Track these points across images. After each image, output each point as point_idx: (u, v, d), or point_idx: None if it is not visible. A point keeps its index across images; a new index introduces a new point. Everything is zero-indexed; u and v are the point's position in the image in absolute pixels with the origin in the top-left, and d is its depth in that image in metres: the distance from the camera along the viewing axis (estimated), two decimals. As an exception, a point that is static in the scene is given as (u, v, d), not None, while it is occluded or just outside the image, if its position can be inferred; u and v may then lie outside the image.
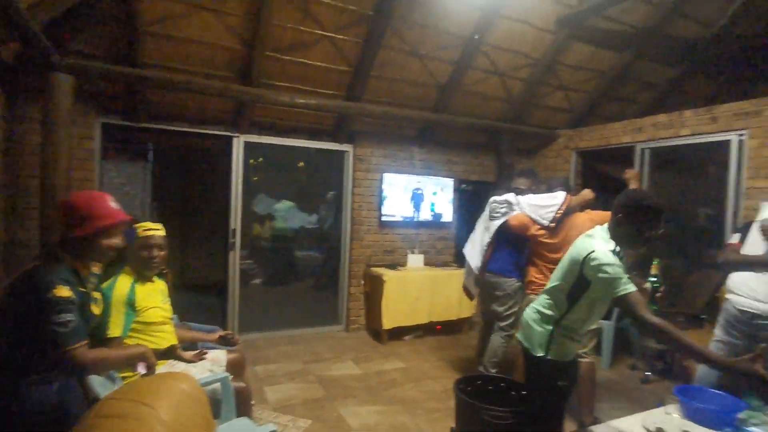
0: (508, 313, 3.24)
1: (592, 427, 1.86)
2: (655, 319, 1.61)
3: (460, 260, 4.91)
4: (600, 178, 5.71)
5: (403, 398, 3.27)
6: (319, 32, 3.75)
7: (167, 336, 2.18)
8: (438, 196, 5.15)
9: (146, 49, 3.46)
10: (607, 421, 1.98)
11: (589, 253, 1.72)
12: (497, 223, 3.26)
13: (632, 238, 1.76)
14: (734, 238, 2.60)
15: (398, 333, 4.57)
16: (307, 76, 4.04)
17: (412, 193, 5.00)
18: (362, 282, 4.85)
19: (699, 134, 3.93)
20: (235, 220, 4.34)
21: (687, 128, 4.02)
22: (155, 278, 2.24)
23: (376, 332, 4.62)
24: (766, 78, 5.37)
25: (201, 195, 6.37)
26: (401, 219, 4.97)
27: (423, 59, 4.26)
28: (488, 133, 5.28)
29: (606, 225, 1.84)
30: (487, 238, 3.33)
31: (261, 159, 5.90)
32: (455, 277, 4.58)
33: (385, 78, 4.30)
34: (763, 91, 4.74)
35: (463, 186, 5.51)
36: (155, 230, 2.21)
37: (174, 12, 3.31)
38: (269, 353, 4.05)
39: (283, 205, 6.40)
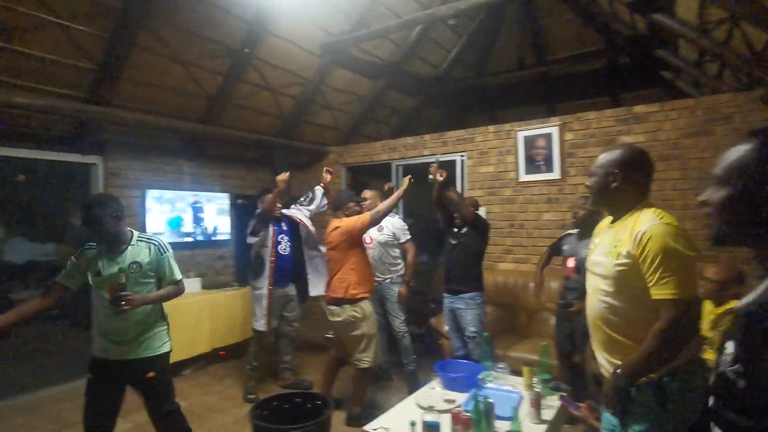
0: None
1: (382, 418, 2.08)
2: None
3: (240, 280, 4.73)
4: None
5: (188, 442, 2.92)
6: (46, 17, 3.02)
7: None
8: (213, 212, 4.82)
9: None
10: (390, 407, 2.25)
11: None
12: None
13: None
14: None
15: (176, 368, 4.05)
16: (29, 69, 3.19)
17: (192, 208, 4.57)
18: (124, 318, 4.11)
19: (435, 154, 4.88)
20: None
21: (427, 149, 4.94)
22: None
23: (147, 374, 3.97)
24: (473, 112, 7.10)
25: None
26: (173, 240, 4.44)
27: (188, 66, 3.93)
28: (262, 147, 5.26)
29: None
30: None
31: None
32: (237, 297, 4.40)
33: (143, 82, 3.79)
34: (473, 121, 6.26)
35: (240, 201, 5.32)
36: None
37: None
38: (-12, 435, 3.00)
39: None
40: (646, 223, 1.36)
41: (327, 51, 4.66)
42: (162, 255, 2.17)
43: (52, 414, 3.32)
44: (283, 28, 4.18)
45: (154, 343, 2.19)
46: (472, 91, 6.68)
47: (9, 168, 4.31)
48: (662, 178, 3.59)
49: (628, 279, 1.38)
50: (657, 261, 1.31)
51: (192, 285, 4.47)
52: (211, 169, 4.97)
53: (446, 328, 3.37)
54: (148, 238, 2.19)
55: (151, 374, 2.14)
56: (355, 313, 2.88)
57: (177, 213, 4.47)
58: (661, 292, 1.31)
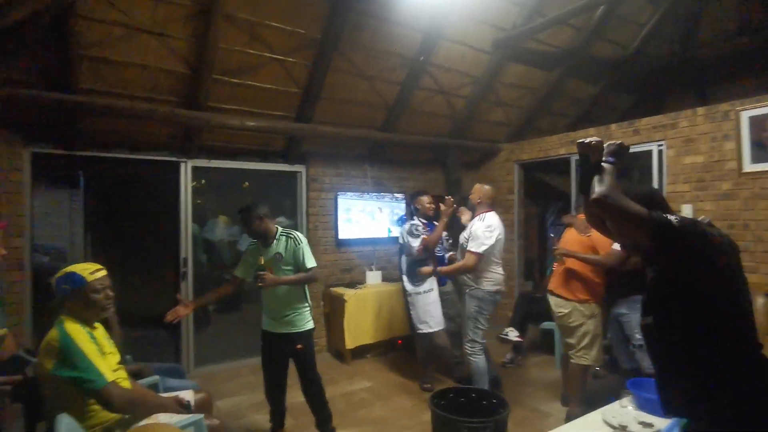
0: None
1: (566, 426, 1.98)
2: None
3: (416, 274, 5.02)
4: (540, 187, 6.11)
5: (374, 419, 3.27)
6: (268, 55, 3.74)
7: (125, 383, 2.03)
8: (391, 211, 5.24)
9: (82, 74, 3.26)
10: (570, 418, 2.12)
11: None
12: None
13: None
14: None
15: (361, 351, 4.55)
16: (256, 98, 3.99)
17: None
18: (322, 303, 4.80)
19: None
20: (186, 249, 4.15)
21: (614, 140, 4.41)
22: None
23: (339, 353, 4.57)
24: (675, 92, 6.04)
25: (141, 222, 6.01)
26: (360, 236, 5.01)
27: (371, 80, 4.36)
28: (435, 149, 5.47)
29: None
30: None
31: (204, 181, 5.69)
32: (413, 290, 4.68)
33: (335, 99, 4.35)
34: (674, 105, 5.34)
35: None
36: (100, 270, 2.01)
37: (112, 35, 3.17)
38: (231, 386, 3.88)
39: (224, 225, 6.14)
40: None
41: (499, 47, 4.58)
42: (297, 246, 2.56)
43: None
44: (455, 31, 4.28)
45: (299, 322, 2.64)
46: (672, 68, 5.70)
47: (238, 177, 5.43)
48: None
49: None
50: None
51: (374, 277, 4.95)
52: (390, 173, 5.40)
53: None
54: (288, 232, 2.62)
55: (299, 346, 2.62)
56: (583, 310, 2.90)
57: (365, 215, 5.02)
58: None
